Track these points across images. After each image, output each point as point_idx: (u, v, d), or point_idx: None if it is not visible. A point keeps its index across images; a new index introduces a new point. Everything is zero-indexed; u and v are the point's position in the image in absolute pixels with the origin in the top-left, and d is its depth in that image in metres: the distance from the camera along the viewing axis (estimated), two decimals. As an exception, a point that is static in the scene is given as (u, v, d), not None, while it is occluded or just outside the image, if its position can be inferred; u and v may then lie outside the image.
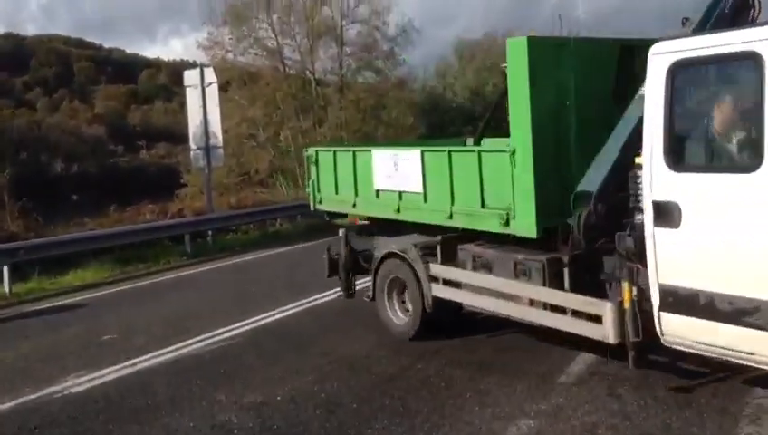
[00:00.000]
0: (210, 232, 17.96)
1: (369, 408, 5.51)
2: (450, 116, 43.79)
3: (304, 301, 9.66)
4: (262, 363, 6.92)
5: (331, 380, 6.25)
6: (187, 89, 18.75)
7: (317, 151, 9.07)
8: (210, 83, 18.34)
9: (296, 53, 37.73)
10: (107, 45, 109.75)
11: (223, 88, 27.43)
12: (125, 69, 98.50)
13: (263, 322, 8.72)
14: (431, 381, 6.05)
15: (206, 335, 8.10)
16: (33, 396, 6.40)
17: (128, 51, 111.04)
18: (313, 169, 8.98)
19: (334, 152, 8.59)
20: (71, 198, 48.97)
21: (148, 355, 7.43)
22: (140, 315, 9.68)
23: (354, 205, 8.13)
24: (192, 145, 19.02)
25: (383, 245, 7.64)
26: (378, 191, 7.69)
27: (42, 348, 8.23)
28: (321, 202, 8.90)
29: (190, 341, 7.91)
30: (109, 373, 6.90)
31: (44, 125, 59.58)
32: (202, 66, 20.59)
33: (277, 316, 8.96)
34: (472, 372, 6.21)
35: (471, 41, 60.82)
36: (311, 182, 9.14)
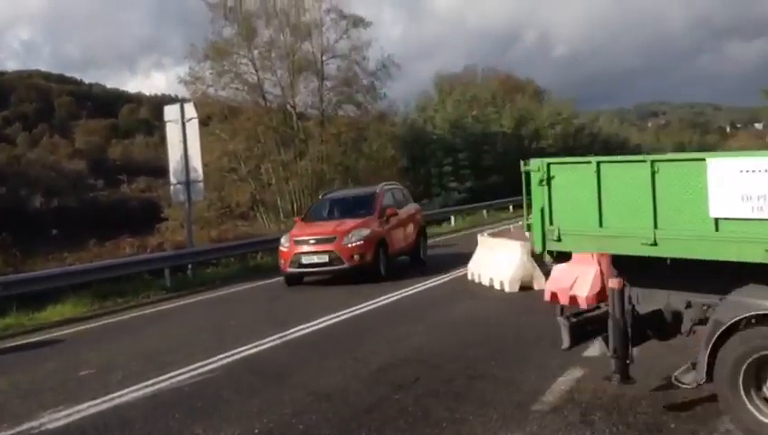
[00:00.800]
0: (190, 266, 17.96)
1: (346, 438, 5.56)
2: (431, 148, 44.32)
3: (282, 333, 9.72)
4: (239, 397, 6.93)
5: (309, 412, 6.28)
6: (168, 124, 18.89)
7: (548, 165, 5.82)
8: (190, 118, 18.50)
9: (277, 87, 38.10)
10: (87, 81, 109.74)
11: (204, 122, 27.62)
12: (106, 104, 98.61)
13: (241, 355, 8.73)
14: (408, 411, 6.10)
15: (185, 369, 8.10)
16: (10, 432, 6.37)
17: (108, 85, 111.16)
18: (540, 191, 5.82)
19: (597, 164, 5.54)
20: (50, 232, 48.75)
21: (126, 390, 7.41)
22: (119, 350, 9.66)
23: (653, 242, 5.21)
24: (172, 179, 19.08)
25: (730, 305, 5.04)
26: (717, 221, 4.93)
27: (19, 384, 8.19)
28: (559, 239, 5.77)
29: (169, 375, 7.90)
30: (87, 408, 6.86)
31: (24, 160, 59.39)
32: (182, 101, 20.79)
33: (255, 349, 8.97)
34: (448, 402, 6.27)
35: (450, 74, 61.98)
36: (538, 211, 5.84)
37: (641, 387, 6.29)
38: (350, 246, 14.34)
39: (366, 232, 14.68)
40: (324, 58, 38.09)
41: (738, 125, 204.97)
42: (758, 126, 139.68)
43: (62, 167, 71.16)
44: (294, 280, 14.98)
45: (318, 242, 14.53)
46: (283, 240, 15.27)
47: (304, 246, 14.60)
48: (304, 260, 14.54)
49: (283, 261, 14.91)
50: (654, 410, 5.70)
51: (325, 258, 14.38)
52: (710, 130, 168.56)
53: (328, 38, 38.04)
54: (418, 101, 52.89)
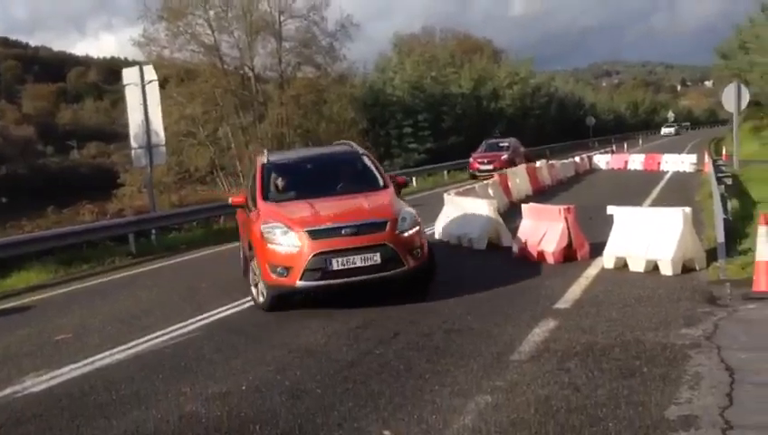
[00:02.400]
0: (154, 231, 17.81)
1: (333, 392, 5.69)
2: (391, 110, 44.28)
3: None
4: (222, 356, 7.02)
5: (293, 368, 6.41)
6: (126, 87, 18.52)
7: None
8: (150, 81, 18.19)
9: (234, 49, 37.65)
10: (33, 43, 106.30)
11: (160, 85, 27.14)
12: (53, 67, 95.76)
13: (218, 316, 8.79)
14: (391, 364, 6.27)
15: (163, 332, 8.15)
16: (-8, 397, 6.37)
17: (55, 48, 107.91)
18: None
19: None
20: (0, 200, 47.53)
21: (106, 353, 7.44)
22: (92, 315, 9.62)
23: None
24: (133, 144, 18.77)
25: None
26: None
27: (-7, 350, 8.14)
28: None
29: (147, 337, 7.94)
30: (69, 372, 6.89)
31: (-31, 126, 57.56)
32: (141, 64, 20.34)
33: (231, 311, 9.04)
34: (429, 355, 6.46)
35: (409, 35, 61.70)
36: None
37: (612, 336, 6.57)
38: (406, 235, 8.68)
39: (413, 212, 9.15)
40: (282, 18, 37.66)
41: (689, 83, 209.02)
42: (708, 84, 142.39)
43: (9, 133, 69.24)
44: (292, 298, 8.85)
45: (359, 231, 8.46)
46: (271, 233, 8.64)
47: (333, 239, 8.38)
48: (337, 264, 8.31)
49: (278, 268, 8.48)
50: (626, 356, 5.96)
51: (376, 258, 8.37)
52: (662, 89, 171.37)
53: (286, -3, 37.49)
54: (378, 62, 52.66)
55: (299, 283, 8.37)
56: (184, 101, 34.99)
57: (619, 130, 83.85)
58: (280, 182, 9.87)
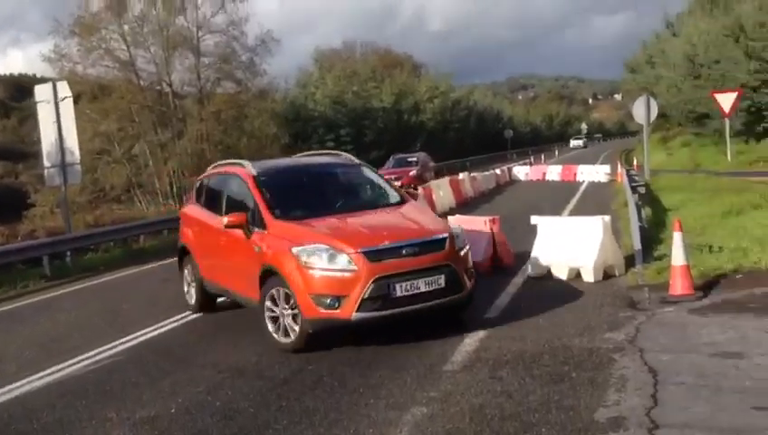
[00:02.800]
0: (69, 252, 17.16)
1: (266, 411, 5.61)
2: (313, 125, 44.26)
3: (182, 315, 9.54)
4: (149, 379, 6.81)
5: (224, 388, 6.28)
6: (38, 104, 17.87)
7: None
8: (64, 98, 17.59)
9: (151, 64, 36.78)
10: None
11: (73, 102, 26.29)
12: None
13: (142, 338, 8.53)
14: (324, 380, 6.23)
15: (85, 356, 7.84)
16: None
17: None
18: None
19: None
20: None
21: (25, 380, 7.11)
22: (9, 341, 9.17)
23: None
24: (46, 163, 18.08)
25: None
26: None
27: None
28: None
29: (68, 362, 7.63)
30: (-16, 402, 6.55)
31: None
32: (54, 80, 19.67)
33: (156, 332, 8.80)
34: (362, 369, 6.45)
35: (330, 50, 61.88)
36: None
37: (541, 343, 6.72)
38: (462, 253, 7.67)
39: (460, 227, 8.27)
40: (200, 34, 37.09)
41: (600, 97, 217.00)
42: (618, 97, 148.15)
43: None
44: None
45: (420, 250, 7.20)
46: (313, 257, 7.04)
47: (394, 260, 7.03)
48: (400, 290, 6.99)
49: (327, 299, 6.95)
50: (555, 362, 6.11)
51: (440, 281, 7.18)
52: (575, 102, 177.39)
53: (204, 12, 37.07)
54: (299, 77, 52.60)
55: (355, 315, 6.84)
56: (98, 118, 33.96)
57: (535, 143, 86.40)
58: (281, 197, 8.11)
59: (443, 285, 7.16)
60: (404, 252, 7.06)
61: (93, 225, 25.16)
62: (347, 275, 6.87)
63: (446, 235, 7.43)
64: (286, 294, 7.20)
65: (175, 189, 34.65)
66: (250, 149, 37.00)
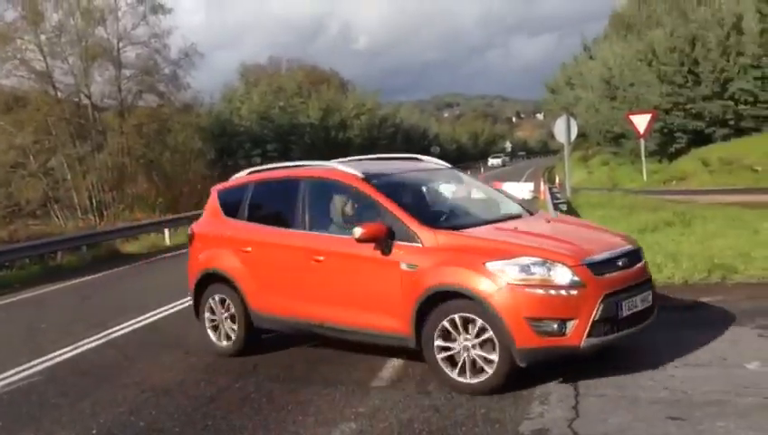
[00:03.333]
0: (-19, 270, 16.45)
1: (192, 430, 5.51)
2: (239, 140, 43.83)
3: (103, 333, 9.30)
4: (68, 400, 6.59)
5: (148, 408, 6.13)
6: (-51, 114, 17.10)
7: None
8: (-24, 108, 16.89)
9: (69, 75, 35.71)
10: None
11: (-15, 113, 25.33)
12: None
13: (60, 358, 8.25)
14: (252, 397, 6.17)
15: (-1, 377, 7.53)
16: None
17: None
18: None
19: None
20: None
21: (-67, 404, 6.77)
22: None
23: None
24: (-44, 176, 17.30)
25: None
26: None
27: None
28: None
29: (-20, 385, 7.31)
30: None
31: None
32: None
33: (76, 351, 8.53)
34: (291, 386, 6.41)
35: (255, 65, 61.57)
36: None
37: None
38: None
39: None
40: (121, 45, 36.29)
41: (523, 115, 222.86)
42: (539, 116, 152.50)
43: None
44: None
45: (630, 262, 6.14)
46: (527, 272, 5.68)
47: (616, 274, 5.93)
48: (625, 309, 5.89)
49: (548, 324, 5.62)
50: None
51: (649, 298, 6.23)
52: (499, 121, 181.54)
53: (125, 24, 36.30)
54: (224, 91, 52.05)
55: (586, 341, 5.60)
56: (13, 130, 32.72)
57: (462, 160, 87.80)
58: (410, 205, 6.67)
59: (650, 302, 6.17)
60: (619, 263, 5.97)
61: (8, 241, 24.21)
62: (573, 292, 5.59)
63: (638, 245, 6.50)
64: (470, 321, 5.76)
65: (95, 204, 33.66)
66: (173, 164, 36.37)
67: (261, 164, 37.72)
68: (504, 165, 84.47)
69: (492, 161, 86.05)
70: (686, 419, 4.87)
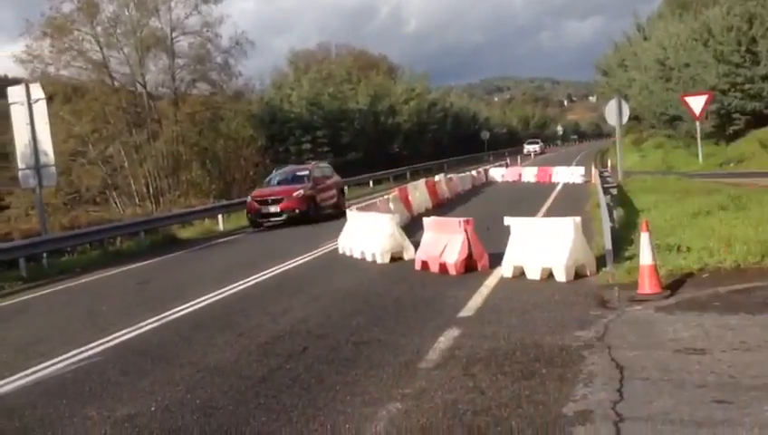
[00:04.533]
0: (45, 254, 17.12)
1: (245, 408, 5.72)
2: (289, 126, 44.24)
3: (161, 315, 9.61)
4: (128, 379, 6.89)
5: (204, 387, 6.37)
6: (12, 106, 17.83)
7: None
8: (37, 100, 17.61)
9: (124, 65, 36.66)
10: None
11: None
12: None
13: (121, 339, 8.59)
14: (302, 378, 6.35)
15: (63, 357, 7.89)
16: None
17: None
18: None
19: None
20: None
21: (4, 381, 7.14)
22: (-16, 344, 9.19)
23: None
24: (20, 164, 18.03)
25: None
26: None
27: None
28: None
29: (46, 364, 7.66)
30: (-38, 403, 6.59)
31: None
32: (27, 82, 19.59)
33: (135, 332, 8.85)
34: (338, 367, 6.58)
35: (305, 51, 61.96)
36: None
37: (513, 341, 6.90)
38: None
39: None
40: (174, 35, 37.07)
41: (574, 98, 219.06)
42: (592, 99, 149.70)
43: None
44: None
45: None
46: None
47: None
48: None
49: None
50: (527, 359, 6.28)
51: None
52: (550, 104, 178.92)
53: (177, 14, 37.03)
54: (274, 79, 52.55)
55: None
56: (72, 120, 33.74)
57: (512, 144, 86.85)
58: None
59: None
60: None
61: (69, 227, 25.03)
62: None
63: None
64: None
65: (151, 191, 34.52)
66: (226, 151, 36.96)
67: (311, 150, 37.67)
68: (542, 152, 76.17)
69: (527, 148, 77.68)
70: (732, 402, 4.86)
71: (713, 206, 13.60)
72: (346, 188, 34.97)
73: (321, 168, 25.53)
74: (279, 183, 23.73)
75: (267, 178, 25.57)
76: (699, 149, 31.34)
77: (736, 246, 9.42)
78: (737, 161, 29.27)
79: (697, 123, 30.51)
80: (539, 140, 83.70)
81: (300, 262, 13.69)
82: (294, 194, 21.87)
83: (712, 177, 23.98)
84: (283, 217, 21.65)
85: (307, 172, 23.75)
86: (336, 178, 26.12)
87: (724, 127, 33.88)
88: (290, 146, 43.65)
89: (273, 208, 21.68)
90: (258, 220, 22.09)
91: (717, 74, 32.42)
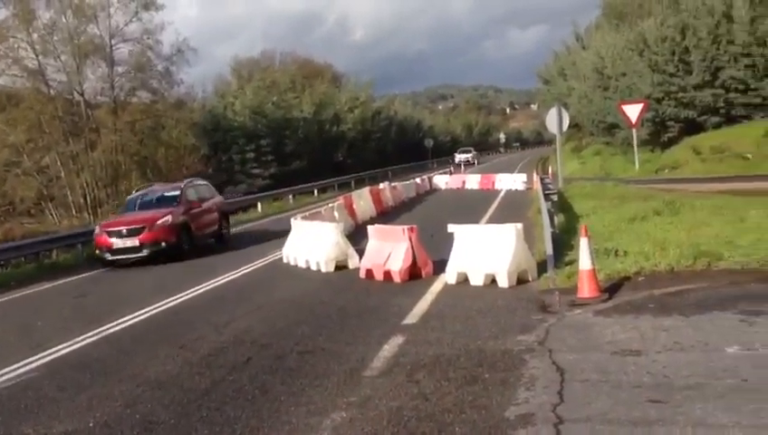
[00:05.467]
0: (-24, 269, 16.52)
1: (187, 421, 5.63)
2: (232, 135, 43.78)
3: (99, 329, 9.40)
4: (66, 394, 6.70)
5: (144, 401, 6.25)
6: (-58, 114, 17.15)
7: None
8: (-31, 107, 16.94)
9: (61, 73, 35.71)
10: None
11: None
12: None
13: (58, 354, 8.36)
14: (246, 389, 6.29)
15: (-3, 374, 7.64)
16: None
17: None
18: None
19: None
20: None
21: (-68, 401, 6.88)
22: None
23: None
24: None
25: None
26: None
27: None
28: None
29: (-22, 382, 7.41)
30: None
31: None
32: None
33: (73, 347, 8.63)
34: (283, 377, 6.54)
35: (248, 59, 61.43)
36: None
37: (457, 347, 6.97)
38: None
39: None
40: (114, 42, 36.31)
41: (517, 106, 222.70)
42: (533, 107, 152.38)
43: None
44: None
45: None
46: None
47: None
48: None
49: None
50: (470, 365, 6.35)
51: None
52: (493, 112, 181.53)
53: (117, 21, 36.32)
54: (217, 87, 51.97)
55: None
56: (6, 129, 32.74)
57: (455, 151, 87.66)
58: None
59: None
60: None
61: (3, 239, 24.29)
62: None
63: None
64: None
65: (89, 201, 33.69)
66: (168, 160, 36.37)
67: (255, 159, 37.01)
68: (473, 162, 68.30)
69: (459, 157, 69.27)
70: (666, 402, 5.01)
71: (648, 211, 14.01)
72: (291, 197, 34.70)
73: (197, 186, 19.91)
74: (141, 207, 18.12)
75: (126, 201, 19.86)
76: (636, 156, 32.25)
77: (670, 250, 9.73)
78: (671, 168, 30.22)
79: (634, 131, 31.40)
80: (471, 149, 77.06)
81: (244, 271, 13.55)
82: (159, 222, 16.55)
83: (648, 183, 24.72)
84: (144, 252, 16.27)
85: (178, 193, 18.30)
86: (217, 198, 20.88)
87: (659, 134, 34.96)
88: (233, 155, 43.21)
89: (131, 242, 16.32)
90: (109, 259, 16.58)
91: (652, 83, 33.46)
